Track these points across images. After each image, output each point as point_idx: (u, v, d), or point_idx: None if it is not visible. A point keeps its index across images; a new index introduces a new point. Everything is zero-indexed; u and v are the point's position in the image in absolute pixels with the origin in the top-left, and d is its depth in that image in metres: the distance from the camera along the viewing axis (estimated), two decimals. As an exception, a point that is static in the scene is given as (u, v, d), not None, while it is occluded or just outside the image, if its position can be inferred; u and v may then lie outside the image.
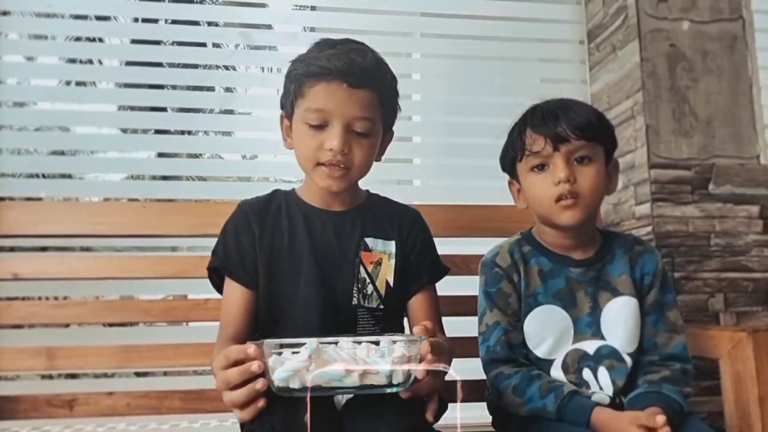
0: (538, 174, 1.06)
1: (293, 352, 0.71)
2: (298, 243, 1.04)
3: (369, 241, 1.07)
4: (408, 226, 1.12)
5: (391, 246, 1.09)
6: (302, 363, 0.68)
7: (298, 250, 1.03)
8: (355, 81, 0.97)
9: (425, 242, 1.13)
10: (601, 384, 1.04)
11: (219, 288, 1.07)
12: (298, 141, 1.02)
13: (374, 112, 1.00)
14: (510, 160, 1.13)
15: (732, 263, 1.52)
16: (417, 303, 1.10)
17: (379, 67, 1.02)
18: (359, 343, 0.74)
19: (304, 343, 0.71)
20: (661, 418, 0.90)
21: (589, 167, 1.04)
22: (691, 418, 1.00)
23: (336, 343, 0.72)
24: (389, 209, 1.14)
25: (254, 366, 0.72)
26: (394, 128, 1.13)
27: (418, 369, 0.72)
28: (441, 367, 0.71)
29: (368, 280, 1.05)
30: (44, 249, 1.58)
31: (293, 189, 1.12)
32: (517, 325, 1.08)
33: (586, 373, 1.05)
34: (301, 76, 1.00)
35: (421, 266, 1.10)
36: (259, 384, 0.73)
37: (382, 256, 1.07)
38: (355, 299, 1.03)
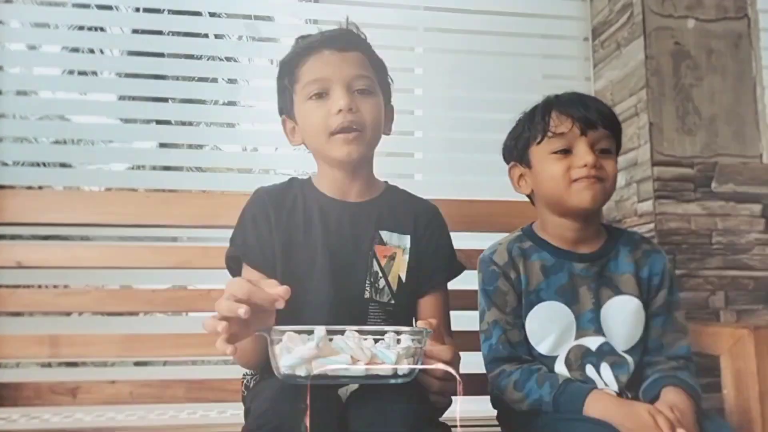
0: (559, 156, 1.03)
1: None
2: (313, 234, 1.03)
3: (384, 234, 1.06)
4: (424, 223, 1.10)
5: (406, 240, 1.07)
6: (310, 351, 0.68)
7: (312, 242, 1.03)
8: (342, 44, 1.02)
9: (441, 240, 1.12)
10: (605, 380, 1.03)
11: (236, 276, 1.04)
12: (306, 121, 1.03)
13: (369, 71, 1.04)
14: (523, 143, 1.09)
15: (733, 261, 1.53)
16: (427, 302, 1.08)
17: (359, 33, 1.08)
18: (366, 333, 0.74)
19: (311, 331, 0.71)
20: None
21: (610, 160, 1.04)
22: (710, 412, 1.00)
23: (343, 332, 0.72)
24: (407, 203, 1.12)
25: (241, 310, 0.70)
26: (397, 125, 1.13)
27: (426, 366, 0.73)
28: (450, 369, 0.72)
29: (380, 274, 1.04)
30: (46, 238, 1.58)
31: (309, 178, 1.11)
32: (516, 323, 1.07)
33: (589, 370, 1.04)
34: (291, 60, 1.04)
35: (434, 265, 1.09)
36: (242, 310, 0.70)
37: (396, 251, 1.06)
38: (367, 293, 1.02)
